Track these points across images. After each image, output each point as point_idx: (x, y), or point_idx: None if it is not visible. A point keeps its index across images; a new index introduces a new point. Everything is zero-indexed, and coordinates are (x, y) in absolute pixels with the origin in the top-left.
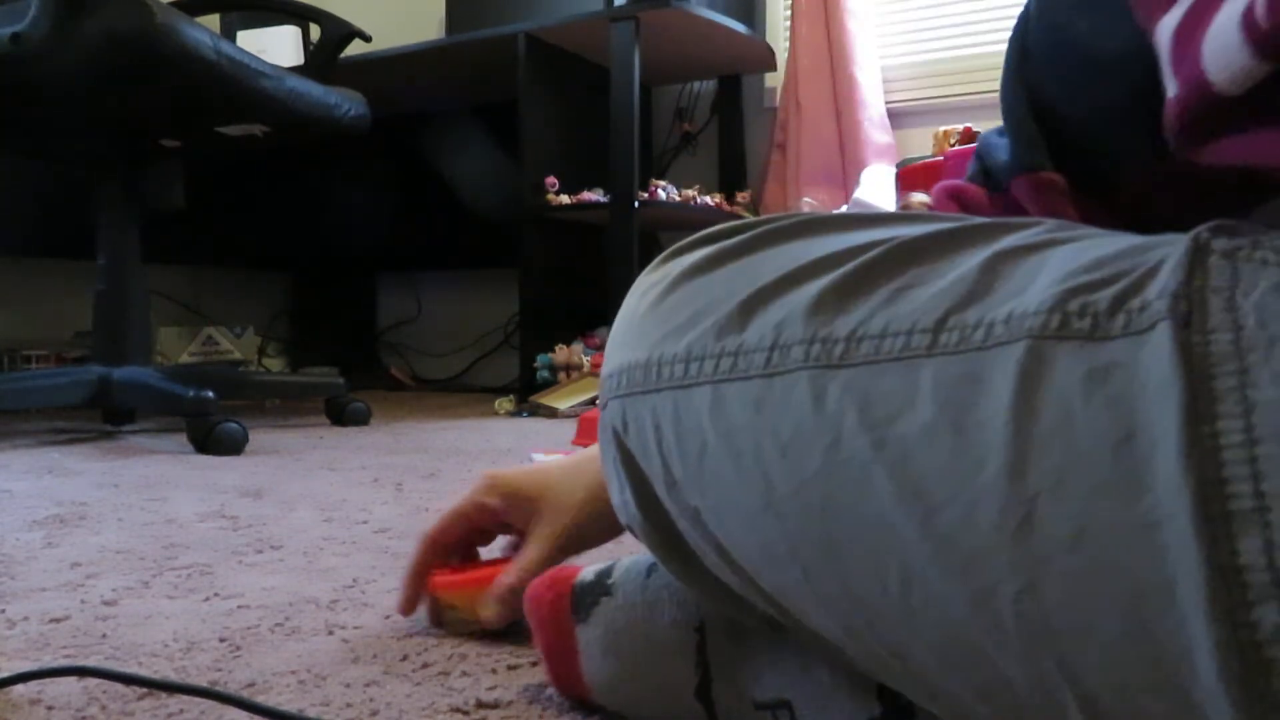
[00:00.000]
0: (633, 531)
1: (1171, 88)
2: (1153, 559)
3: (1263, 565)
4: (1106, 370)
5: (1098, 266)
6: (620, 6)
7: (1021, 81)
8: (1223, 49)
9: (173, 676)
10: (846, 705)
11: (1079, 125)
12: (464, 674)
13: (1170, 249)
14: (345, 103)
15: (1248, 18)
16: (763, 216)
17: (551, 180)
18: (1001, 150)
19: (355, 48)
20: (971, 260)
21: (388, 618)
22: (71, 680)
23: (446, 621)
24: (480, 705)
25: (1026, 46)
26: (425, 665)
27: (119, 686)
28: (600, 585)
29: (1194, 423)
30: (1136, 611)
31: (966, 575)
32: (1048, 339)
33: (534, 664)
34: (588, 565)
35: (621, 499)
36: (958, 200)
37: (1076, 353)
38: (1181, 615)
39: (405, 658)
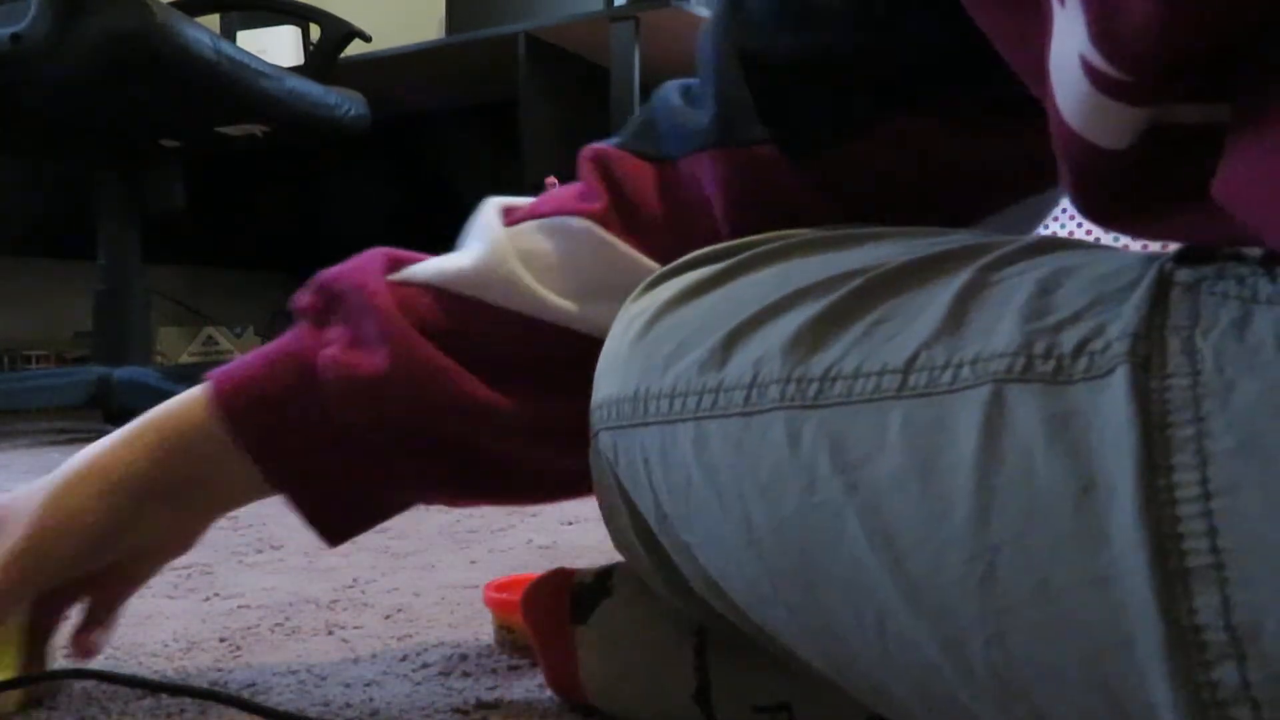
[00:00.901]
0: (629, 559)
1: (1061, 161)
2: (1112, 614)
3: (1220, 625)
4: (1066, 417)
5: (1065, 301)
6: (620, 6)
7: (732, 38)
8: (1088, 107)
9: (173, 676)
10: (845, 706)
11: (804, 73)
12: (464, 674)
13: (1137, 277)
14: (345, 103)
15: (1090, 71)
16: (745, 239)
17: (551, 180)
18: (686, 116)
19: (355, 48)
20: (945, 292)
21: (388, 618)
22: (71, 681)
23: (502, 643)
24: (480, 705)
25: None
26: (425, 665)
27: (119, 687)
28: (600, 587)
29: (1150, 474)
30: (1099, 666)
31: (937, 622)
32: (1011, 382)
33: (534, 664)
34: (586, 567)
35: (617, 527)
36: (605, 173)
37: (1038, 397)
38: (1142, 672)
39: (405, 658)
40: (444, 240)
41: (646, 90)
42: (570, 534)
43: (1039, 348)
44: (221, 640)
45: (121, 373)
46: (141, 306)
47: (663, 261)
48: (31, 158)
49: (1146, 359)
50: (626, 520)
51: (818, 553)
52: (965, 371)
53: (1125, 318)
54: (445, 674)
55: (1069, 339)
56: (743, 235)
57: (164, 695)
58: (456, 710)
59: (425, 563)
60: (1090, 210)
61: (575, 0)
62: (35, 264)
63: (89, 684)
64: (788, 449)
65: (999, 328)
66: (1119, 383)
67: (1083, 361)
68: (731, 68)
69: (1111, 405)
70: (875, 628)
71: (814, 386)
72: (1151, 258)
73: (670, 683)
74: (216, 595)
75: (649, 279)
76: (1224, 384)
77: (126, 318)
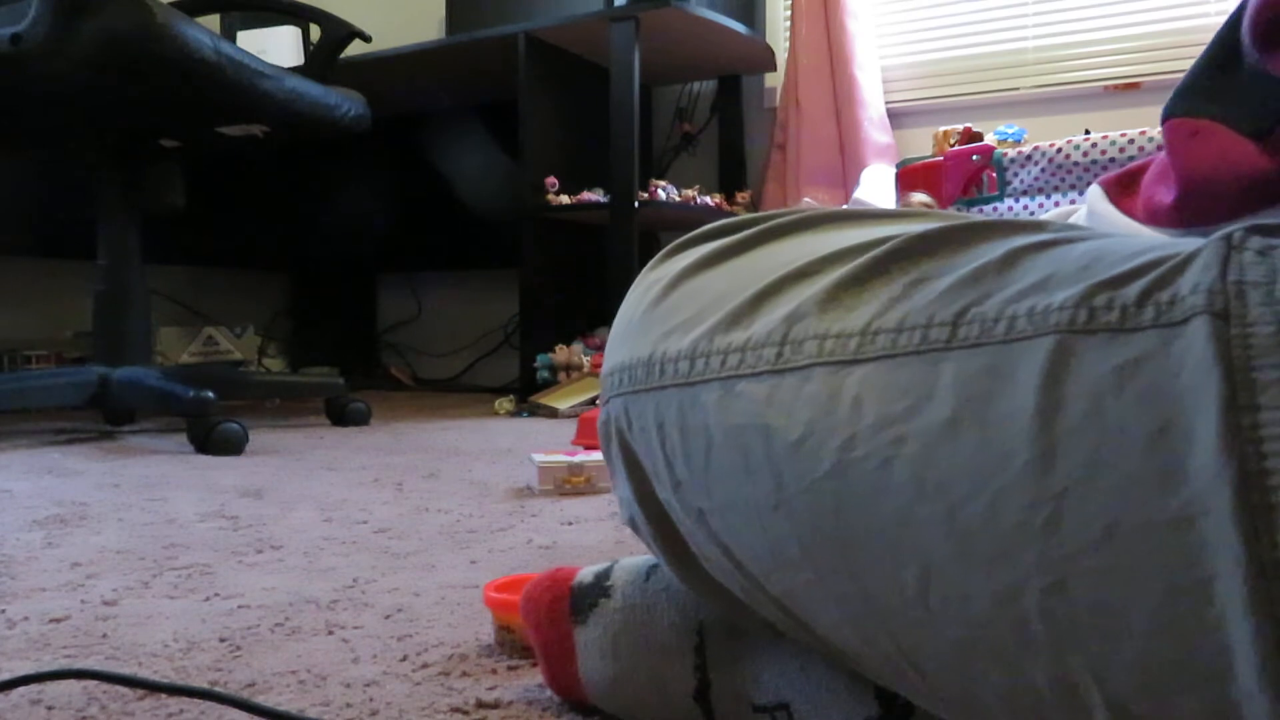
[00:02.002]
0: (635, 530)
1: None
2: (1189, 554)
3: None
4: (1137, 362)
5: (1121, 261)
6: (620, 6)
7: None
8: None
9: (173, 677)
10: (845, 706)
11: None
12: (464, 674)
13: (1196, 247)
14: (345, 103)
15: None
16: (765, 212)
17: (551, 180)
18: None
19: (355, 48)
20: (988, 254)
21: (388, 618)
22: (72, 681)
23: (502, 643)
24: (480, 705)
25: None
26: (425, 665)
27: (119, 687)
28: (599, 586)
29: (1233, 414)
30: (1171, 608)
31: (991, 573)
32: (1076, 333)
33: (534, 664)
34: (586, 567)
35: (623, 498)
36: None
37: (1105, 346)
38: (1219, 611)
39: (405, 658)
40: (444, 239)
41: (646, 90)
42: (570, 534)
43: (1100, 300)
44: (221, 640)
45: (121, 373)
46: (141, 306)
47: (1146, 221)
48: (32, 157)
49: (1224, 310)
50: (633, 491)
51: (856, 509)
52: (1021, 323)
53: (1195, 274)
54: (445, 674)
55: (1131, 291)
56: (1189, 202)
57: (164, 695)
58: (456, 710)
59: (425, 563)
60: (1257, 38)
61: (575, 0)
62: (35, 264)
63: (89, 684)
64: (825, 405)
65: (1053, 283)
66: (1197, 329)
67: (1149, 311)
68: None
69: (1188, 350)
70: (916, 585)
71: (854, 341)
72: (1198, 239)
73: (670, 682)
74: (216, 595)
75: (665, 249)
76: None
77: (126, 318)
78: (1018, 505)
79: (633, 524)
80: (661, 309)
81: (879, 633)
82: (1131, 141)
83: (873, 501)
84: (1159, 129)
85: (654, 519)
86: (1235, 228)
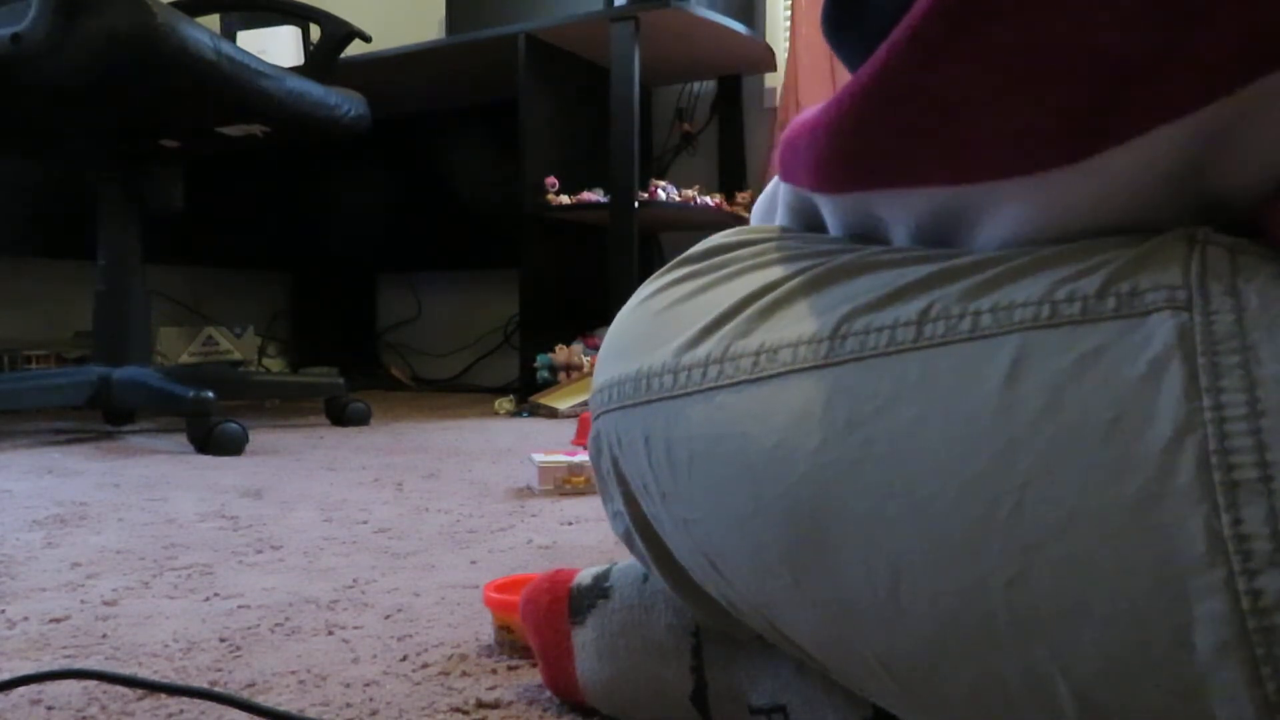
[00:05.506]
0: (629, 545)
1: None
2: (1148, 535)
3: (1267, 534)
4: (1097, 352)
5: (1075, 260)
6: (620, 6)
7: None
8: None
9: (173, 676)
10: (841, 707)
11: None
12: (464, 674)
13: (1153, 240)
14: (345, 103)
15: None
16: (751, 235)
17: (551, 180)
18: None
19: (355, 48)
20: (959, 258)
21: (388, 618)
22: (72, 681)
23: (502, 643)
24: (480, 705)
25: None
26: (425, 665)
27: (119, 687)
28: (597, 588)
29: (1194, 398)
30: (1130, 590)
31: (958, 567)
32: (1039, 329)
33: (534, 664)
34: (586, 568)
35: (614, 512)
36: None
37: (1067, 337)
38: (1179, 590)
39: (405, 658)
40: (444, 239)
41: (646, 90)
42: (570, 534)
43: (1061, 293)
44: (221, 640)
45: (121, 373)
46: (141, 306)
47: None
48: (32, 158)
49: (1187, 301)
50: (624, 507)
51: (831, 510)
52: (986, 319)
53: (1156, 268)
54: (445, 674)
55: (1091, 283)
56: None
57: (164, 695)
58: (456, 710)
59: (425, 563)
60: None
61: (575, 0)
62: (35, 264)
63: (89, 684)
64: (799, 411)
65: (1013, 280)
66: (1158, 320)
67: (1110, 301)
68: None
69: (1148, 339)
70: (888, 584)
71: (824, 346)
72: (1152, 234)
73: (667, 684)
74: (216, 595)
75: (661, 269)
76: (1270, 319)
77: (126, 318)
78: (982, 499)
79: (627, 537)
80: (649, 325)
81: (853, 636)
82: None
83: (846, 502)
84: None
85: (644, 532)
86: (1197, 228)
